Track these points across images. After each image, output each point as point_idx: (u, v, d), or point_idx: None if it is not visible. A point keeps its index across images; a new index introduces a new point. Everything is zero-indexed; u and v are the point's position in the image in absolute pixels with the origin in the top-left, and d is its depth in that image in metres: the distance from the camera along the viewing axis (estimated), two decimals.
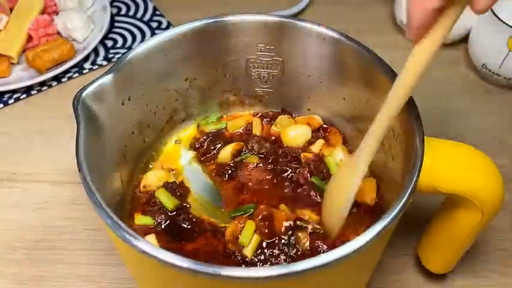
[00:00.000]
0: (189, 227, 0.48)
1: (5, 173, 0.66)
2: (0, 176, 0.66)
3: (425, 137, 0.40)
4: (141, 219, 0.48)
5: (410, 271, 0.56)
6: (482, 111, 0.73)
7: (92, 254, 0.58)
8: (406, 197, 0.37)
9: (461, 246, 0.48)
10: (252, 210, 0.49)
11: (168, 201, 0.49)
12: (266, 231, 0.46)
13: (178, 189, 0.51)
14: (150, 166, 0.54)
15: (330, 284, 0.39)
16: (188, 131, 0.57)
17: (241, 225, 0.46)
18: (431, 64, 0.36)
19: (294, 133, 0.54)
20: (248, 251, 0.45)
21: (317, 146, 0.54)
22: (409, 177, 0.38)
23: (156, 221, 0.48)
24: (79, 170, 0.39)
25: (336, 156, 0.52)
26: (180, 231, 0.48)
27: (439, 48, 0.35)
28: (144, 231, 0.47)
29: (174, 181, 0.52)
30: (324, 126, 0.56)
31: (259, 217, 0.47)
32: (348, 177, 0.43)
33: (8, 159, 0.68)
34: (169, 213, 0.49)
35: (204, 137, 0.56)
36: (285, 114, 0.58)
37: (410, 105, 0.42)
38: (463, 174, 0.42)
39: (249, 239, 0.45)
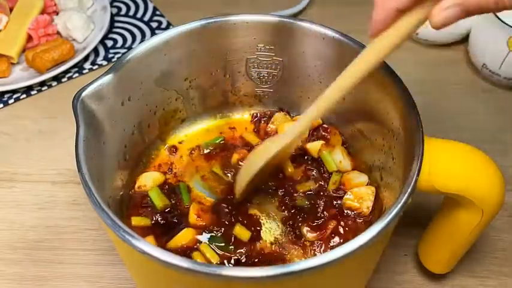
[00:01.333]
0: (178, 222, 0.48)
1: (5, 173, 0.66)
2: (0, 176, 0.66)
3: (425, 136, 0.40)
4: (138, 220, 0.48)
5: (410, 271, 0.56)
6: (482, 111, 0.73)
7: (92, 254, 0.58)
8: (406, 196, 0.37)
9: (461, 246, 0.48)
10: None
11: (158, 199, 0.49)
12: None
13: (171, 193, 0.51)
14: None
15: (329, 284, 0.39)
16: (189, 131, 0.57)
17: None
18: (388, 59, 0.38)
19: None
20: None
21: (316, 147, 0.53)
22: (409, 177, 0.38)
23: (153, 221, 0.48)
24: (79, 170, 0.39)
25: (336, 157, 0.52)
26: (174, 229, 0.47)
27: (394, 47, 0.37)
28: (142, 232, 0.47)
29: (170, 183, 0.52)
30: (324, 126, 0.56)
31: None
32: (269, 143, 0.46)
33: (8, 159, 0.68)
34: (162, 212, 0.49)
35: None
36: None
37: (410, 105, 0.42)
38: (463, 174, 0.42)
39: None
